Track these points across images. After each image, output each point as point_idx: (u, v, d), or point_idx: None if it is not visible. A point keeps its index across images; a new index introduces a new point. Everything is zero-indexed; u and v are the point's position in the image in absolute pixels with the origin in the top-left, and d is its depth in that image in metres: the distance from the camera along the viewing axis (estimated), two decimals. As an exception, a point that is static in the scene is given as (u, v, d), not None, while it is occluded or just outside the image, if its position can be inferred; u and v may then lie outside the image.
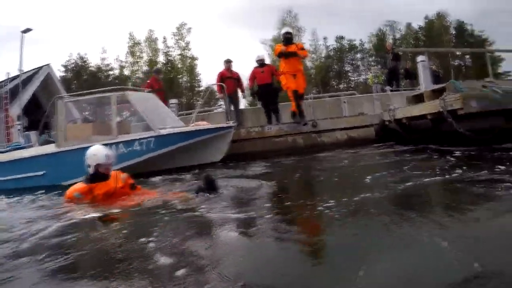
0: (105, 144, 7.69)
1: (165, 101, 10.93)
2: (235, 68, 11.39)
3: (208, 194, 4.01)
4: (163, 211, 3.54)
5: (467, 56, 46.66)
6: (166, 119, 8.96)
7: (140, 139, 7.95)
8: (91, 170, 4.42)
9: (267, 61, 11.61)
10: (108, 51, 52.02)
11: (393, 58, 14.35)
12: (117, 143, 7.86)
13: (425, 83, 8.94)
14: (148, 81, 11.35)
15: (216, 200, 3.84)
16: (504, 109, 6.06)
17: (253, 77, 10.98)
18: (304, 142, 9.67)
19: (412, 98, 8.62)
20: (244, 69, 24.05)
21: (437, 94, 6.96)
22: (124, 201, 4.19)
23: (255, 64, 10.92)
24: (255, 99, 11.87)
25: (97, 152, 4.53)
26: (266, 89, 10.77)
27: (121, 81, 40.91)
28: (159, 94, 10.38)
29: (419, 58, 9.43)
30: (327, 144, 9.45)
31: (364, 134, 9.49)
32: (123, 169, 7.50)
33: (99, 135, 8.12)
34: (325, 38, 51.06)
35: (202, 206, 3.60)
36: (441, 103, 6.17)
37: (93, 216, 3.56)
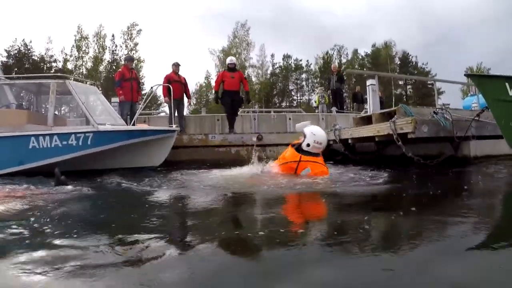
0: (38, 135, 7.11)
1: (139, 92, 10.21)
2: (182, 73, 10.93)
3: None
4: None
5: (409, 86, 48.89)
6: (107, 116, 8.45)
7: (77, 133, 7.33)
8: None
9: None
10: (54, 42, 49.41)
11: (337, 80, 14.65)
12: (51, 135, 7.23)
13: (373, 106, 8.93)
14: (120, 70, 10.37)
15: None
16: (451, 137, 6.09)
17: (220, 80, 10.44)
18: (248, 155, 9.33)
19: (359, 119, 8.59)
20: (189, 76, 23.54)
21: (386, 117, 6.90)
22: None
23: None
24: (218, 103, 10.96)
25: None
26: (234, 96, 10.34)
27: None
28: (133, 84, 9.74)
29: (369, 81, 9.43)
30: (270, 159, 9.17)
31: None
32: (55, 164, 6.92)
33: (33, 124, 7.44)
34: (272, 55, 51.69)
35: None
36: (391, 125, 6.09)
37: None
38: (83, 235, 2.39)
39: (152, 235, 2.35)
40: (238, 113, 11.08)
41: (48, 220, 2.72)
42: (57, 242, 2.17)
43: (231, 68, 10.45)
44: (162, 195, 4.32)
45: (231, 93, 10.24)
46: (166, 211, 3.46)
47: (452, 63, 53.08)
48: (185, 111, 13.39)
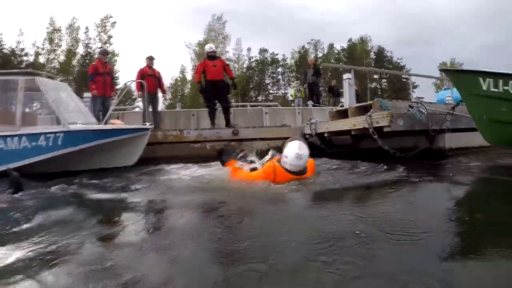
0: (5, 136, 6.81)
1: (113, 86, 9.98)
2: (156, 66, 10.69)
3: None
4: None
5: (384, 80, 49.51)
6: (79, 114, 8.14)
7: (47, 133, 6.96)
8: None
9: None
10: (25, 34, 47.45)
11: (314, 73, 14.66)
12: (19, 136, 6.87)
13: (349, 100, 8.96)
14: (94, 63, 9.98)
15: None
16: (426, 130, 6.12)
17: (202, 69, 9.80)
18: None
19: (335, 113, 8.60)
20: (164, 70, 23.32)
21: (362, 110, 6.91)
22: None
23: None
24: (201, 95, 10.27)
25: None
26: (217, 86, 9.72)
27: (35, 69, 37.74)
28: (106, 79, 9.44)
29: (345, 75, 9.48)
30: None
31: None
32: (25, 167, 6.64)
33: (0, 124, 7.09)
34: (248, 49, 51.49)
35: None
36: (367, 119, 6.10)
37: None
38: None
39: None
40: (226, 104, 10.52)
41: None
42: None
43: (211, 56, 9.90)
44: (132, 197, 4.21)
45: (215, 82, 9.69)
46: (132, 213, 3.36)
47: (425, 58, 53.81)
48: (160, 106, 13.19)
